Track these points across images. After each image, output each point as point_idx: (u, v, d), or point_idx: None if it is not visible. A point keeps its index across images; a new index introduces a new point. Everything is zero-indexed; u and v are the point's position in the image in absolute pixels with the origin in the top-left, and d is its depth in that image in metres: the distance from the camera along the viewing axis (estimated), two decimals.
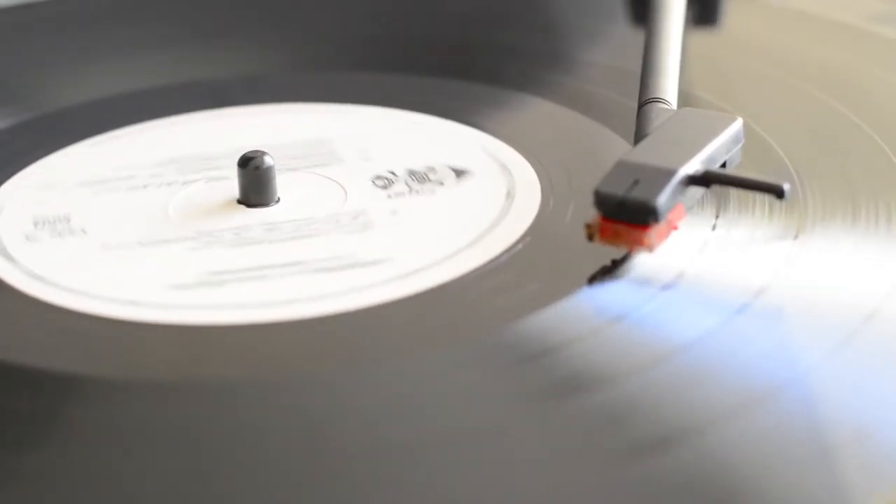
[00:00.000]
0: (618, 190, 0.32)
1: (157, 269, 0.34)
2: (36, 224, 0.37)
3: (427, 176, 0.38)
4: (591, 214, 0.32)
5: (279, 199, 0.37)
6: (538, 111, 0.42)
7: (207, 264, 0.34)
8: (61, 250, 0.35)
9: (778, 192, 0.32)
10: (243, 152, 0.37)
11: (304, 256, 0.34)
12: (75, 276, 0.34)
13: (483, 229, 0.35)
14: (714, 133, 0.34)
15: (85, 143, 0.41)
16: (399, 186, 0.37)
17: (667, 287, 0.32)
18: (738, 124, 0.35)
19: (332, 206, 0.37)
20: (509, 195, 0.36)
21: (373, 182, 0.38)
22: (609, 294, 0.32)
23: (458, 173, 0.38)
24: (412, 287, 0.33)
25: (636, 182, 0.32)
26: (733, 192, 0.35)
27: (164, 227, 0.36)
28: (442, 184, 0.37)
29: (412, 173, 0.38)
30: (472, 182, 0.38)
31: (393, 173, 0.38)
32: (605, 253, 0.33)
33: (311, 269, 0.34)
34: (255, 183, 0.37)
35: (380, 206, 0.37)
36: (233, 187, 0.37)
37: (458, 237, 0.35)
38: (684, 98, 0.39)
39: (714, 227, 0.34)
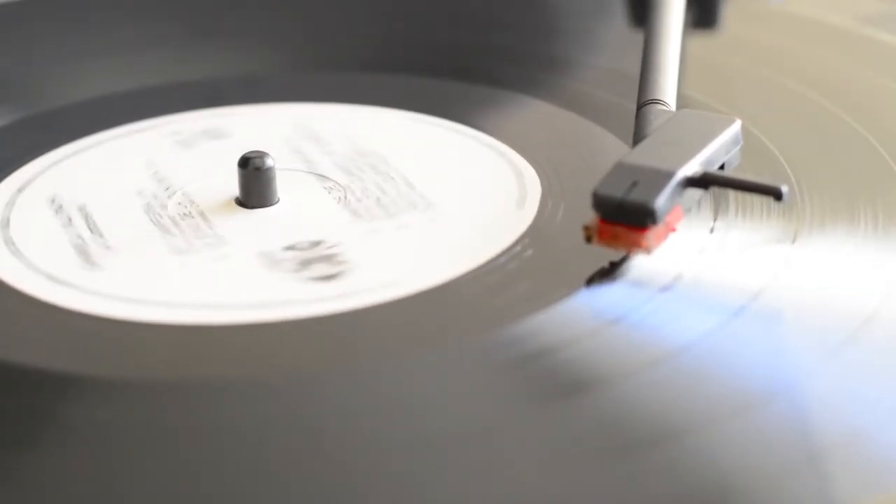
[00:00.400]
0: (616, 192, 0.32)
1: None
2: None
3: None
4: (591, 216, 0.32)
5: (279, 199, 0.37)
6: (537, 113, 0.42)
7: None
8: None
9: (776, 195, 0.32)
10: (243, 153, 0.37)
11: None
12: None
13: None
14: (713, 135, 0.34)
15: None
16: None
17: (665, 289, 0.32)
18: (736, 126, 0.35)
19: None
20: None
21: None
22: (607, 296, 0.32)
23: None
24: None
25: (634, 184, 0.32)
26: (732, 195, 0.35)
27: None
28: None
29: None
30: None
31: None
32: (604, 254, 0.33)
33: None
34: (254, 183, 0.37)
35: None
36: (232, 188, 0.37)
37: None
38: (683, 100, 0.39)
39: (712, 230, 0.34)
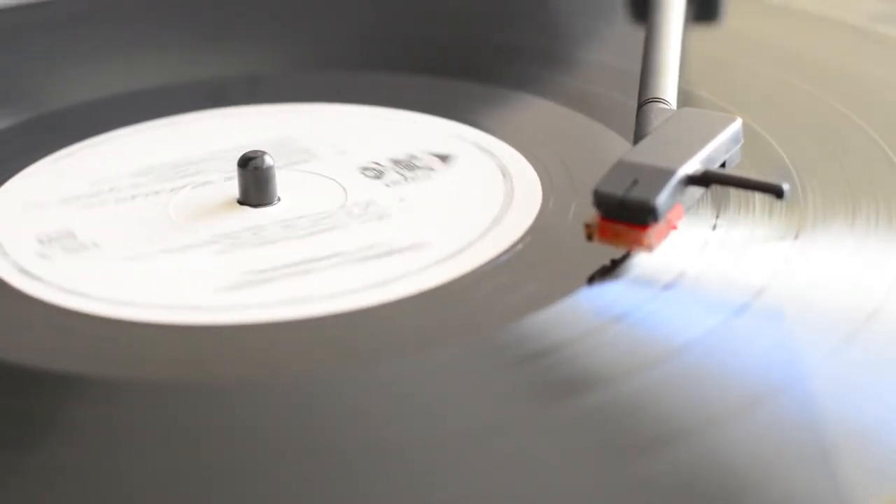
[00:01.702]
0: (617, 190, 0.32)
1: (200, 273, 0.34)
2: (41, 242, 0.36)
3: (413, 163, 0.38)
4: (591, 214, 0.32)
5: (279, 198, 0.37)
6: (538, 111, 0.42)
7: (249, 264, 0.34)
8: (82, 264, 0.35)
9: (777, 192, 0.32)
10: (242, 152, 0.37)
11: (341, 248, 0.35)
12: (110, 287, 0.34)
13: (483, 229, 0.35)
14: (713, 133, 0.34)
15: (44, 162, 0.40)
16: (391, 175, 0.37)
17: (667, 287, 0.32)
18: (737, 124, 0.35)
19: (336, 202, 0.37)
20: (519, 200, 0.36)
21: (362, 173, 0.38)
22: (609, 294, 0.32)
23: (443, 158, 0.38)
24: (412, 287, 0.33)
25: (635, 182, 0.32)
26: (733, 192, 0.35)
27: (178, 231, 0.36)
28: (432, 169, 0.37)
29: (396, 161, 0.38)
30: (459, 168, 0.38)
31: (377, 164, 0.38)
32: (606, 252, 0.33)
33: (352, 260, 0.34)
34: (254, 183, 0.37)
35: (383, 194, 0.37)
36: (232, 188, 0.37)
37: (458, 236, 0.35)
38: (684, 97, 0.39)
39: (714, 227, 0.34)
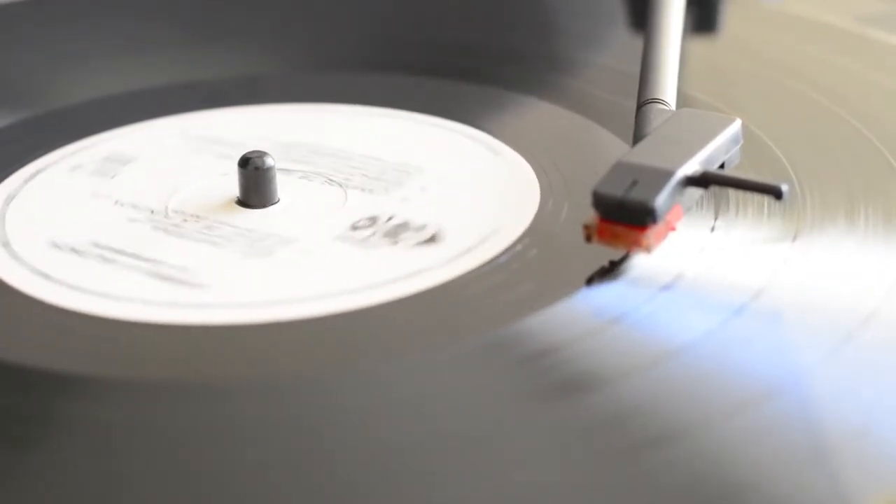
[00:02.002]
0: (616, 191, 0.32)
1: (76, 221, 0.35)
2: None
3: (399, 232, 0.37)
4: (592, 215, 0.32)
5: (279, 199, 0.37)
6: (537, 112, 0.42)
7: (109, 237, 0.35)
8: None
9: (776, 193, 0.32)
10: (243, 153, 0.37)
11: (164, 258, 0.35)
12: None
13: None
14: (712, 134, 0.34)
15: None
16: (373, 235, 0.37)
17: (666, 288, 0.32)
18: (736, 125, 0.35)
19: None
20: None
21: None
22: (608, 295, 0.32)
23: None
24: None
25: (634, 183, 0.32)
26: (732, 193, 0.35)
27: (149, 196, 0.37)
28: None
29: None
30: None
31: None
32: (605, 253, 0.33)
33: (147, 273, 0.34)
34: (254, 183, 0.37)
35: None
36: (233, 187, 0.37)
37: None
38: (683, 99, 0.39)
39: (713, 229, 0.34)
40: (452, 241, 0.35)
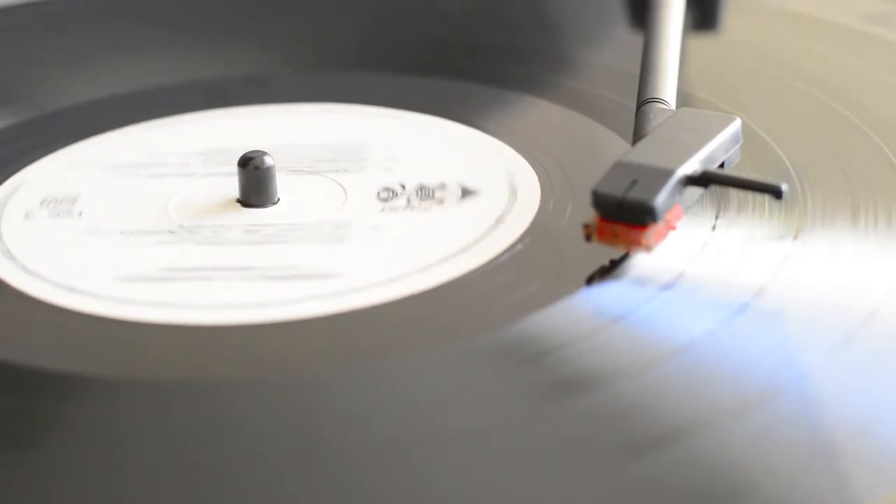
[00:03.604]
0: (616, 190, 0.32)
1: (115, 259, 0.35)
2: (42, 202, 0.37)
3: (432, 193, 0.37)
4: (591, 214, 0.32)
5: (279, 199, 0.37)
6: (537, 111, 0.42)
7: (167, 260, 0.35)
8: (48, 232, 0.36)
9: (776, 193, 0.32)
10: (244, 152, 0.37)
11: (259, 263, 0.34)
12: (46, 260, 0.35)
13: (483, 230, 0.35)
14: (712, 133, 0.34)
15: (129, 129, 0.42)
16: (400, 201, 0.37)
17: (667, 287, 0.32)
18: (736, 124, 0.35)
19: (323, 213, 0.37)
20: (499, 220, 0.36)
21: (377, 194, 0.38)
22: (609, 294, 0.32)
23: (465, 192, 0.38)
24: (412, 287, 0.33)
25: (634, 182, 0.32)
26: (733, 192, 0.35)
27: (153, 218, 0.36)
28: (442, 202, 0.37)
29: (421, 188, 0.38)
30: (474, 203, 0.37)
31: (402, 186, 0.38)
32: (606, 253, 0.33)
33: (261, 277, 0.34)
34: (254, 183, 0.37)
35: (367, 219, 0.36)
36: (232, 187, 0.37)
37: (458, 237, 0.35)
38: (683, 98, 0.39)
39: (714, 227, 0.34)
40: (452, 241, 0.35)
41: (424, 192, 0.37)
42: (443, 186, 0.37)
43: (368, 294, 0.33)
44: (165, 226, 0.36)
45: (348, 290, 0.33)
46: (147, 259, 0.35)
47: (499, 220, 0.36)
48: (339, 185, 0.38)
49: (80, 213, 0.37)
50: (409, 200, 0.37)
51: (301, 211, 0.37)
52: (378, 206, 0.37)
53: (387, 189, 0.38)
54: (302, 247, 0.35)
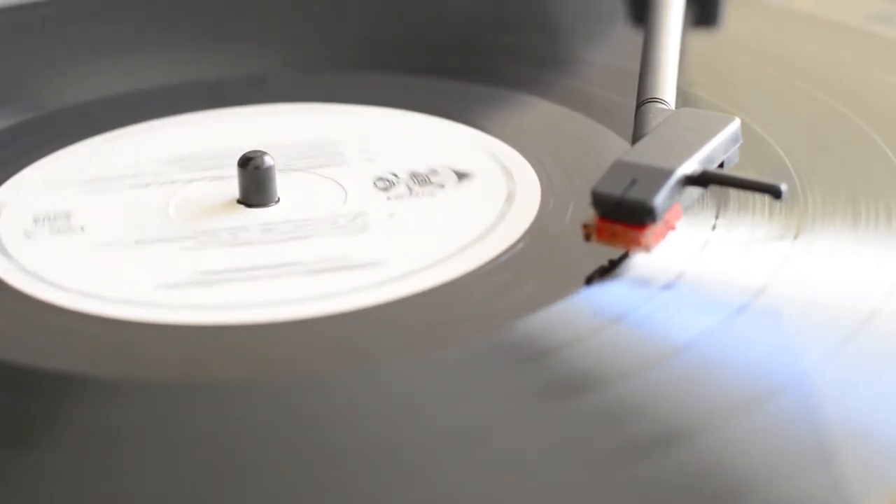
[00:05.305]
0: (615, 190, 0.32)
1: (151, 268, 0.34)
2: (36, 221, 0.37)
3: (428, 178, 0.38)
4: (591, 214, 0.32)
5: (279, 199, 0.37)
6: (537, 111, 0.42)
7: (203, 264, 0.34)
8: (59, 248, 0.35)
9: (775, 193, 0.32)
10: (244, 152, 0.37)
11: (300, 258, 0.34)
12: (72, 275, 0.34)
13: (483, 230, 0.35)
14: (712, 133, 0.34)
15: (89, 142, 0.41)
16: (400, 188, 0.37)
17: (667, 287, 0.32)
18: (735, 124, 0.35)
19: (330, 207, 0.37)
20: (509, 197, 0.36)
21: (374, 184, 0.38)
22: (609, 294, 0.32)
23: (460, 176, 0.38)
24: (412, 287, 0.33)
25: (633, 182, 0.32)
26: (733, 192, 0.35)
27: (163, 225, 0.36)
28: (443, 186, 0.37)
29: (414, 175, 0.38)
30: (473, 185, 0.38)
31: (395, 175, 0.38)
32: (606, 253, 0.33)
33: (307, 271, 0.34)
34: (254, 183, 0.37)
35: (379, 207, 0.37)
36: (234, 187, 0.37)
37: (458, 238, 0.35)
38: (682, 98, 0.39)
39: (714, 227, 0.34)
40: (451, 241, 0.35)
41: (420, 179, 0.37)
42: (434, 171, 0.37)
43: (366, 295, 0.33)
44: (179, 232, 0.36)
45: (398, 277, 0.33)
46: (182, 265, 0.34)
47: (509, 197, 0.36)
48: (331, 179, 0.38)
49: (83, 228, 0.36)
50: (409, 187, 0.37)
51: (307, 207, 0.37)
52: (381, 195, 0.37)
53: (381, 178, 0.38)
54: (332, 240, 0.35)
